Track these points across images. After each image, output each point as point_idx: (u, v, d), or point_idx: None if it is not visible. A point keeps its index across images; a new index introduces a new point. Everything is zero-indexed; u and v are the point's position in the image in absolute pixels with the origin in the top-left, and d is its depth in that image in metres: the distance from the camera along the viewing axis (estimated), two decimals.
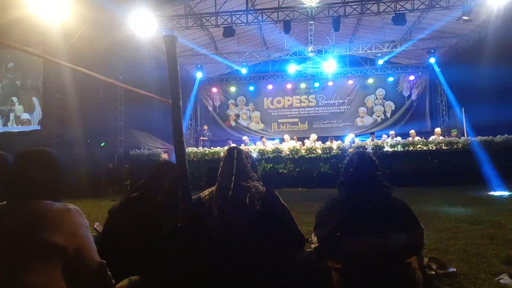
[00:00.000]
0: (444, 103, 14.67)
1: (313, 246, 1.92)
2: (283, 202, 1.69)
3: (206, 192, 1.79)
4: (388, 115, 15.07)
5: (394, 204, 1.72)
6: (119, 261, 1.62)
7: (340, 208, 1.73)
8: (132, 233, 1.74)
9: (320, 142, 10.46)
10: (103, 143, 10.46)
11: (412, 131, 10.47)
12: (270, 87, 15.49)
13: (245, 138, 12.50)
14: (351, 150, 8.95)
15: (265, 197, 1.64)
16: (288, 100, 15.70)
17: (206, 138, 12.98)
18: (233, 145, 10.41)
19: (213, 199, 1.69)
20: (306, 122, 15.39)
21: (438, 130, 10.31)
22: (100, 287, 1.26)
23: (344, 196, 1.79)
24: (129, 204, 1.87)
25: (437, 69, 13.38)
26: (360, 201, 1.70)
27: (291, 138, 11.27)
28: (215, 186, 1.76)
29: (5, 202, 1.20)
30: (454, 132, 10.08)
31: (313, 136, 11.03)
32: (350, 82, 15.13)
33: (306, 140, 10.69)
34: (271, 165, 8.98)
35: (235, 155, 1.80)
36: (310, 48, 12.80)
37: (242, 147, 10.36)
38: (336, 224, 1.68)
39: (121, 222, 1.82)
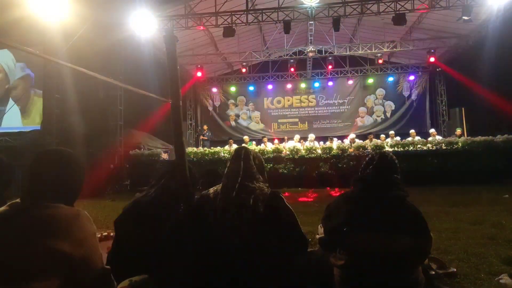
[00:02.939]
0: (444, 103, 14.67)
1: (318, 236, 1.91)
2: (287, 204, 1.67)
3: (211, 190, 1.78)
4: (388, 115, 15.08)
5: (406, 208, 1.70)
6: (120, 262, 1.62)
7: (352, 203, 1.73)
8: (134, 235, 1.74)
9: (322, 142, 10.47)
10: None
11: (412, 131, 10.47)
12: (270, 87, 15.50)
13: (245, 138, 12.50)
14: (351, 150, 8.95)
15: (269, 199, 1.63)
16: (288, 100, 15.71)
17: (206, 138, 12.98)
18: (234, 145, 10.37)
19: (217, 198, 1.68)
20: (306, 122, 15.40)
21: (432, 131, 10.26)
22: None
23: (357, 192, 1.78)
24: (132, 207, 1.88)
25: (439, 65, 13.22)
26: (373, 200, 1.69)
27: (289, 139, 11.28)
28: (220, 185, 1.75)
29: (18, 200, 1.19)
30: (458, 131, 10.02)
31: (311, 136, 11.05)
32: (350, 82, 15.14)
33: (302, 141, 10.70)
34: (271, 165, 8.99)
35: (242, 156, 1.77)
36: (310, 48, 12.80)
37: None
38: (345, 218, 1.68)
39: (125, 226, 1.81)
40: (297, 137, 11.00)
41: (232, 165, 1.76)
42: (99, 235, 3.22)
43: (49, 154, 1.31)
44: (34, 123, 10.85)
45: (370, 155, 1.87)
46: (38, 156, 1.28)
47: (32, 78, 10.91)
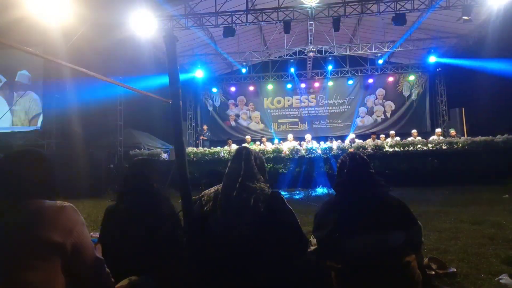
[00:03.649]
0: (444, 103, 14.67)
1: (312, 248, 1.92)
2: (288, 205, 1.67)
3: (212, 189, 1.78)
4: (388, 115, 15.07)
5: (390, 202, 1.73)
6: (119, 261, 1.62)
7: (337, 209, 1.74)
8: (131, 234, 1.74)
9: (322, 142, 10.47)
10: None
11: (414, 131, 10.48)
12: (270, 87, 15.49)
13: (247, 137, 12.49)
14: (351, 150, 8.95)
15: (270, 199, 1.62)
16: (288, 100, 15.71)
17: (206, 138, 12.99)
18: (233, 145, 10.29)
19: (218, 198, 1.68)
20: (306, 122, 15.39)
21: (438, 130, 10.29)
22: (98, 283, 1.27)
23: (340, 197, 1.81)
24: (109, 218, 1.84)
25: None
26: (357, 202, 1.71)
27: (294, 139, 11.27)
28: (221, 185, 1.75)
29: None
30: (452, 131, 10.05)
31: (308, 136, 11.06)
32: (350, 82, 15.13)
33: (302, 143, 10.69)
34: (271, 165, 8.98)
35: (243, 156, 1.77)
36: (310, 48, 12.80)
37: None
38: (334, 226, 1.68)
39: (110, 240, 1.79)
40: (290, 136, 11.01)
41: (233, 165, 1.76)
42: (99, 236, 3.22)
43: (25, 153, 1.30)
44: (20, 120, 11.04)
45: (340, 160, 1.89)
46: (10, 156, 1.28)
47: (3, 82, 11.17)
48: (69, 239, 1.14)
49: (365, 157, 1.86)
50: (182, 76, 12.69)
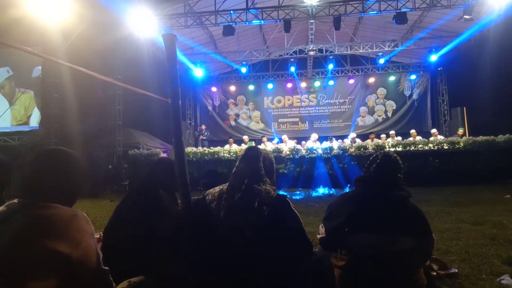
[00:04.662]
0: (445, 103, 14.64)
1: (319, 236, 1.90)
2: (294, 209, 1.64)
3: (217, 189, 1.75)
4: (389, 114, 15.05)
5: (408, 208, 1.68)
6: (119, 262, 1.61)
7: (353, 203, 1.71)
8: (132, 233, 1.73)
9: (323, 141, 10.45)
10: None
11: (413, 131, 10.43)
12: (270, 86, 15.47)
13: (245, 137, 12.47)
14: (352, 150, 8.93)
15: (275, 203, 1.59)
16: (289, 100, 15.68)
17: (205, 138, 12.98)
18: (234, 145, 10.21)
19: (222, 198, 1.65)
20: (307, 121, 15.38)
21: (434, 130, 10.23)
22: None
23: (360, 192, 1.78)
24: (129, 205, 1.86)
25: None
26: (375, 199, 1.68)
27: (290, 138, 11.23)
28: (226, 184, 1.72)
29: (15, 200, 1.18)
30: (460, 131, 9.99)
31: (314, 136, 11.00)
32: (351, 81, 15.11)
33: (303, 142, 10.65)
34: None
35: (251, 156, 1.74)
36: (310, 47, 12.77)
37: (243, 146, 10.39)
38: (346, 218, 1.66)
39: (122, 223, 1.81)
40: (285, 137, 11.01)
41: (240, 165, 1.73)
42: (97, 236, 3.21)
43: (49, 153, 1.29)
44: (20, 114, 11.08)
45: (374, 155, 1.87)
46: (38, 155, 1.27)
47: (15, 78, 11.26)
48: (76, 251, 1.12)
49: (399, 160, 1.81)
50: (181, 75, 12.68)
